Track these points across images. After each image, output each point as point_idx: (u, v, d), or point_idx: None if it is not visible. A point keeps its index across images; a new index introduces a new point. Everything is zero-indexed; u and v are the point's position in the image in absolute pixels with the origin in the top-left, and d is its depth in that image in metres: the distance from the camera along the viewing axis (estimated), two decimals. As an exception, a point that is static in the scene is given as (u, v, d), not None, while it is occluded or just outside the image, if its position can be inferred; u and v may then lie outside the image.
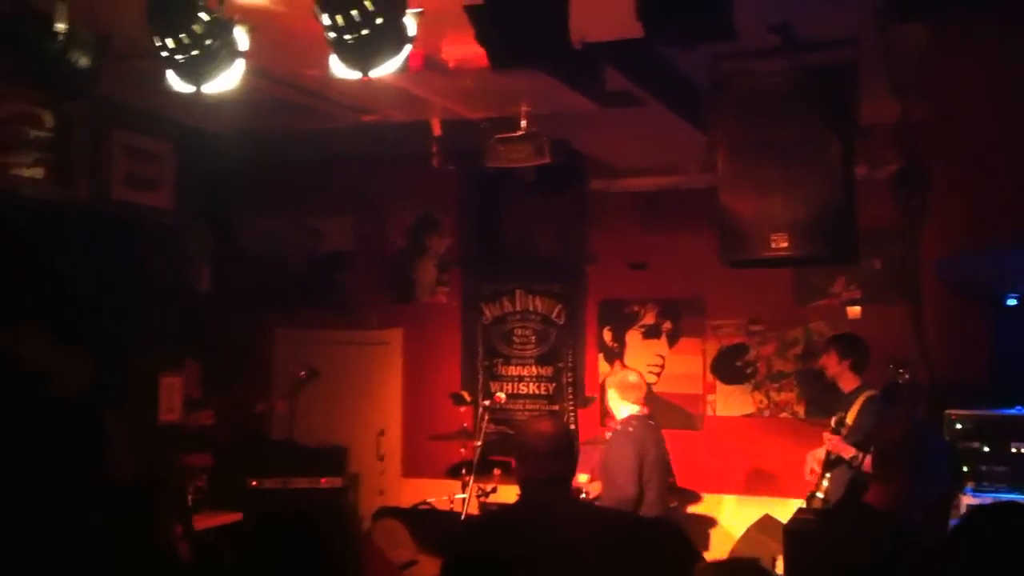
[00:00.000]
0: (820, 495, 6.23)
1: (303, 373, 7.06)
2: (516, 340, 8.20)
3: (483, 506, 6.52)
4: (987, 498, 5.37)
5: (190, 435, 6.73)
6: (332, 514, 2.97)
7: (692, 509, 7.52)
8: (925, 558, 3.10)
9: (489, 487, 6.58)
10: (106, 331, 6.20)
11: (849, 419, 6.24)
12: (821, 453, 6.51)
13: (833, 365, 6.55)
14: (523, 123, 5.58)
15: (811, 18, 4.43)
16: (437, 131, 5.88)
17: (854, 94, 4.46)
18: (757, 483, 7.36)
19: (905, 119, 4.64)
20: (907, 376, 6.22)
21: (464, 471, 6.64)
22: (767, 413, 7.57)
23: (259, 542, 2.77)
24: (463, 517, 6.27)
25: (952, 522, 5.02)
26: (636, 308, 7.94)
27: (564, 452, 3.49)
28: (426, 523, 7.08)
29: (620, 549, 3.29)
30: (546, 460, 3.43)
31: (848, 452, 6.10)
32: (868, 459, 5.90)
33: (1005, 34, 3.91)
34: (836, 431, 6.19)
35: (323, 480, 7.43)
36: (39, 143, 5.94)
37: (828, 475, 6.26)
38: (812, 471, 6.43)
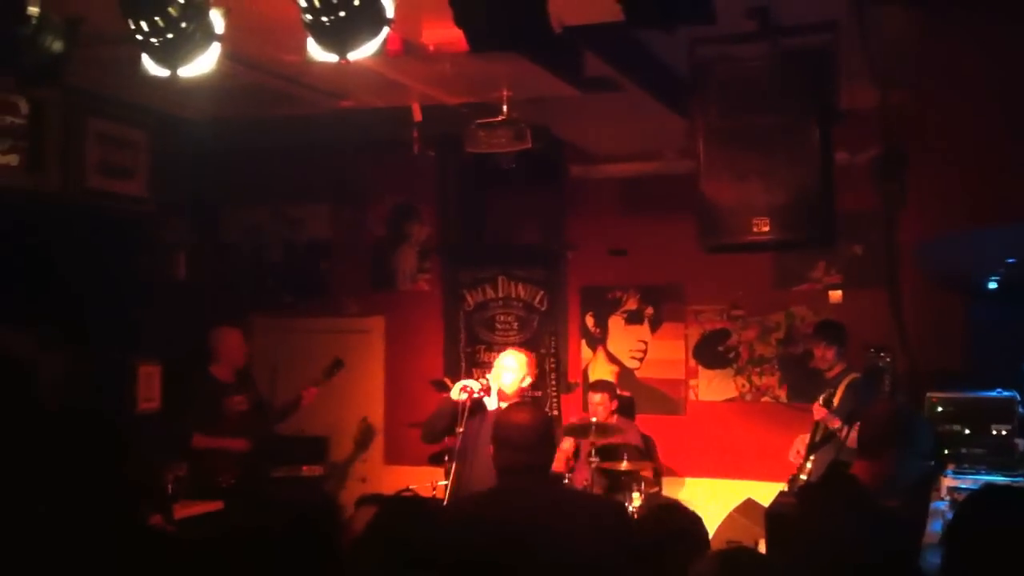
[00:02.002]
0: (803, 477, 6.26)
1: (330, 361, 7.02)
2: (499, 326, 8.19)
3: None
4: (967, 480, 5.39)
5: (230, 421, 6.60)
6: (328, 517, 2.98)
7: (675, 493, 7.54)
8: (904, 539, 3.11)
9: (472, 474, 6.57)
10: (81, 321, 6.15)
11: (835, 400, 6.30)
12: (808, 437, 6.56)
13: (832, 356, 6.58)
14: (504, 108, 5.55)
15: (791, 2, 4.42)
16: (418, 117, 5.84)
17: (833, 79, 4.46)
18: (739, 467, 7.39)
19: (884, 104, 4.64)
20: (887, 360, 6.25)
21: (447, 458, 6.61)
22: (749, 398, 7.60)
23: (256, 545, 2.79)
24: (444, 504, 6.25)
25: (935, 504, 5.05)
26: (618, 294, 7.95)
27: (542, 441, 3.50)
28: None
29: (598, 534, 3.30)
30: (523, 450, 3.43)
31: (835, 423, 6.15)
32: (853, 434, 5.95)
33: (983, 17, 3.91)
34: (827, 404, 6.24)
35: (304, 468, 7.40)
36: (12, 131, 5.86)
37: (812, 457, 6.30)
38: (797, 453, 6.48)
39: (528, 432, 3.45)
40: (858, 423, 5.94)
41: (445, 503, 6.14)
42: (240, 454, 6.53)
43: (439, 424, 5.64)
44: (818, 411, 6.34)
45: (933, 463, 4.40)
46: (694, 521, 3.56)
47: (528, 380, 5.82)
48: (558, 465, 6.20)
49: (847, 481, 3.36)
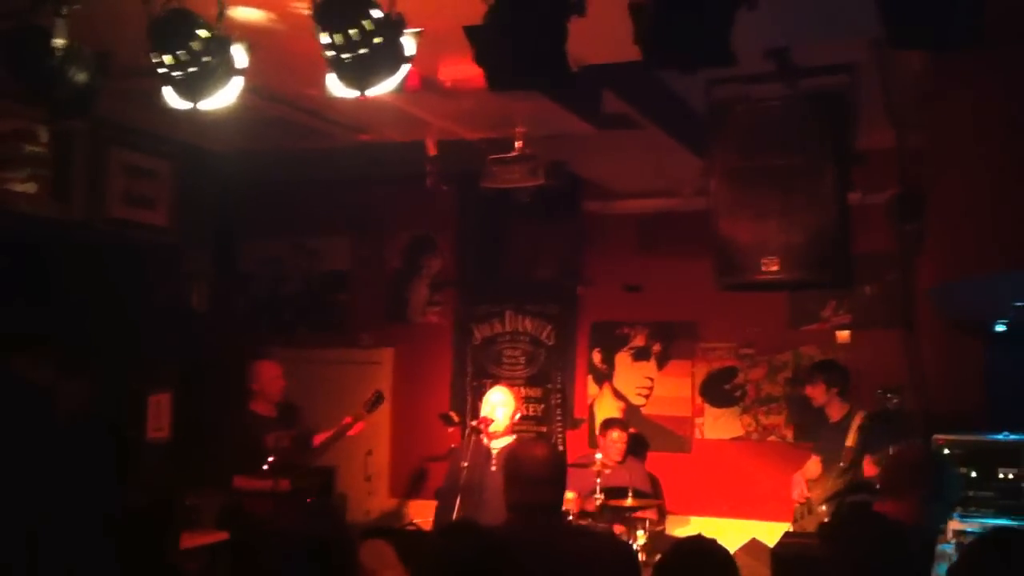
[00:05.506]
0: (827, 520, 6.23)
1: (372, 394, 6.85)
2: (506, 361, 8.20)
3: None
4: (974, 523, 5.38)
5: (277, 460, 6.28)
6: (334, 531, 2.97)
7: (679, 532, 7.51)
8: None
9: (478, 508, 6.54)
10: (102, 350, 6.16)
11: (849, 442, 6.27)
12: (810, 473, 6.55)
13: (821, 395, 6.60)
14: (518, 144, 5.60)
15: (809, 44, 4.46)
16: (432, 151, 5.89)
17: (850, 120, 4.49)
18: (745, 506, 7.37)
19: (901, 146, 4.67)
20: (896, 402, 6.26)
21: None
22: (755, 437, 7.59)
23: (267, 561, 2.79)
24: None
25: (940, 547, 5.04)
26: (626, 330, 7.96)
27: (554, 478, 3.50)
28: (414, 544, 7.03)
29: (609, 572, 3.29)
30: (536, 485, 3.43)
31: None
32: (871, 468, 5.95)
33: (998, 62, 3.96)
34: (875, 461, 6.13)
35: (309, 500, 7.36)
36: (37, 159, 5.92)
37: (830, 503, 6.29)
38: (801, 492, 6.46)
39: (540, 468, 3.46)
40: (873, 456, 5.91)
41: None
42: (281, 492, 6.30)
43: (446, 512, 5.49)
44: (869, 468, 6.25)
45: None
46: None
47: (519, 414, 5.82)
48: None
49: (875, 519, 3.36)
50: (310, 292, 8.73)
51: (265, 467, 6.13)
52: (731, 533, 7.18)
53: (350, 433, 6.73)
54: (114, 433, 5.17)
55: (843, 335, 7.27)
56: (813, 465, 6.72)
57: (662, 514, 7.36)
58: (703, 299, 6.89)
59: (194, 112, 3.97)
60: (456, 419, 7.36)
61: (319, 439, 6.77)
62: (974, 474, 5.68)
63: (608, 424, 7.34)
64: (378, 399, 6.82)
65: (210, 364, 7.17)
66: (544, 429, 8.04)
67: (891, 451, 5.79)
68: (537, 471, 3.46)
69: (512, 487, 3.49)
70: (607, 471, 6.65)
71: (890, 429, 6.15)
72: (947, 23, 3.00)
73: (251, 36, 3.97)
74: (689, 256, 6.65)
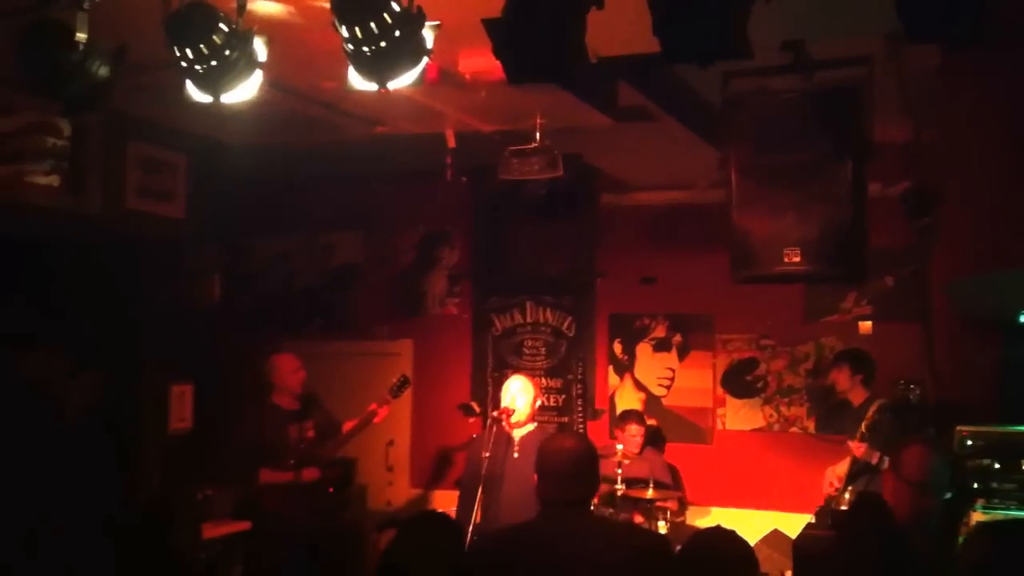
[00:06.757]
0: (844, 508, 6.23)
1: (397, 378, 6.87)
2: (526, 352, 8.20)
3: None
4: (998, 515, 5.36)
5: (297, 450, 6.29)
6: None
7: (700, 523, 7.52)
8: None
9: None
10: (116, 343, 6.21)
11: (863, 428, 6.28)
12: (841, 469, 6.53)
13: (845, 380, 6.60)
14: (538, 136, 5.60)
15: (825, 37, 4.44)
16: (452, 143, 5.90)
17: (867, 113, 4.45)
18: (766, 497, 7.38)
19: (917, 139, 4.64)
20: (917, 392, 6.24)
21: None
22: (777, 428, 7.59)
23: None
24: (471, 528, 6.25)
25: (963, 540, 5.02)
26: (647, 321, 7.97)
27: (586, 471, 3.46)
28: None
29: (642, 568, 3.27)
30: (566, 479, 3.40)
31: (874, 457, 6.11)
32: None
33: (1016, 55, 3.93)
34: (863, 439, 6.18)
35: (331, 490, 7.41)
36: (54, 152, 5.96)
37: (850, 487, 6.28)
38: (831, 484, 6.46)
39: (569, 464, 3.42)
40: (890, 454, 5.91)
41: (471, 531, 6.16)
42: (309, 483, 6.33)
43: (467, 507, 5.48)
44: (856, 448, 6.28)
45: (949, 495, 4.40)
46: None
47: (539, 401, 5.81)
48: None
49: (878, 509, 3.37)
50: (324, 285, 8.77)
51: (292, 462, 6.16)
52: (753, 524, 7.20)
53: (376, 420, 6.73)
54: (113, 432, 5.20)
55: (865, 326, 7.26)
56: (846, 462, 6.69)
57: (683, 505, 7.37)
58: (719, 290, 6.85)
59: (211, 106, 3.99)
60: (477, 409, 7.39)
61: (348, 426, 6.77)
62: (997, 466, 5.64)
63: (625, 417, 7.34)
64: (404, 383, 6.83)
65: (225, 357, 7.20)
66: (565, 420, 8.04)
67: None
68: (565, 467, 3.42)
69: (541, 482, 3.46)
70: (627, 462, 6.66)
71: (900, 420, 6.15)
72: (964, 16, 2.98)
73: (269, 29, 3.99)
74: (705, 248, 6.65)
